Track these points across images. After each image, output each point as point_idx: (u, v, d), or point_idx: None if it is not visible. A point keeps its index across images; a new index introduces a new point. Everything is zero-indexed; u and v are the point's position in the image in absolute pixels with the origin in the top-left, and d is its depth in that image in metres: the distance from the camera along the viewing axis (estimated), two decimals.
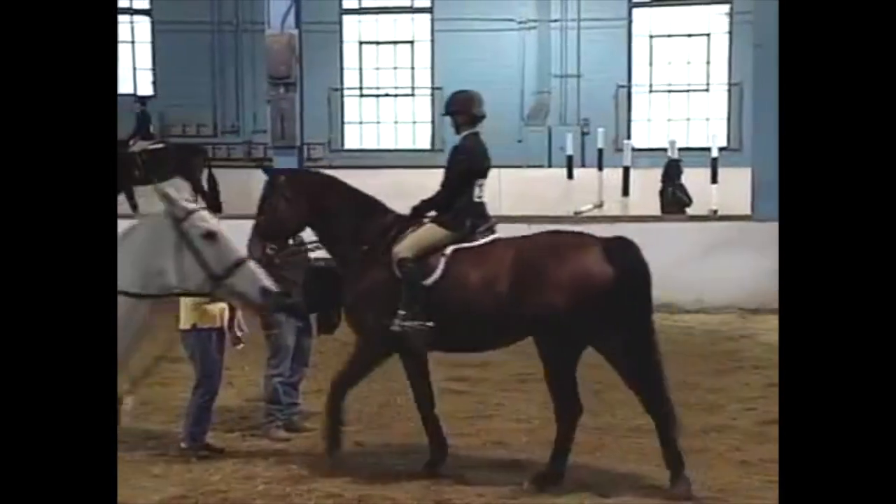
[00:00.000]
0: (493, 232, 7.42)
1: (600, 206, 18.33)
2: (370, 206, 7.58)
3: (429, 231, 7.31)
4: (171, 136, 24.48)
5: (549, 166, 21.55)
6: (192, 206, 5.22)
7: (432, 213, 7.45)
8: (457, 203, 7.33)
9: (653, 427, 7.74)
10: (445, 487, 7.08)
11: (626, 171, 17.65)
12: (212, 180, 18.30)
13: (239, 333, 7.88)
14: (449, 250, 7.22)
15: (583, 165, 20.74)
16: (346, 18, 24.21)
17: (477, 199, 7.44)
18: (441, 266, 7.15)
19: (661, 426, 7.14)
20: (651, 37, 22.00)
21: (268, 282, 5.14)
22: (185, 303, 7.54)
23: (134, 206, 17.91)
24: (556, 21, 22.03)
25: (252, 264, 5.20)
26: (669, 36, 21.93)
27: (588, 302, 6.93)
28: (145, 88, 25.89)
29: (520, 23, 22.18)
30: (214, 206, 15.70)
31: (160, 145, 19.39)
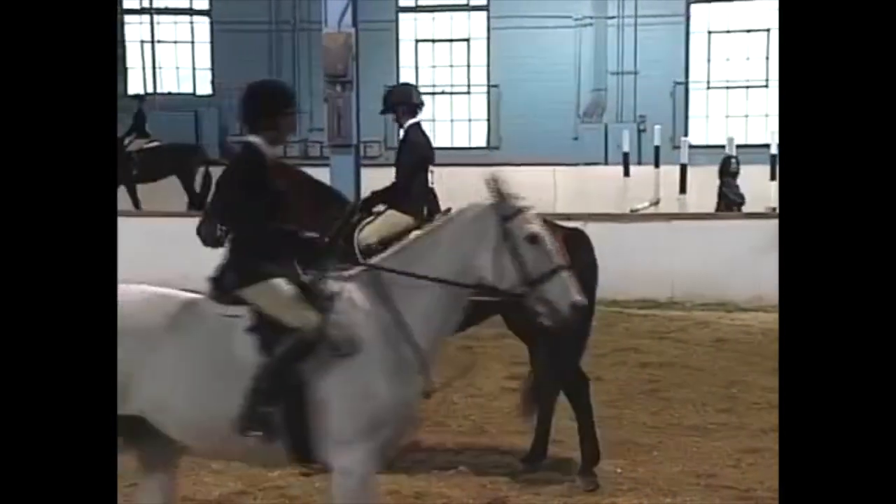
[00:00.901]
0: None
1: (657, 203, 18.21)
2: (328, 195, 7.66)
3: (391, 218, 7.51)
4: (229, 135, 24.71)
5: (606, 164, 21.44)
6: (520, 204, 5.07)
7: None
8: (414, 191, 7.61)
9: (712, 426, 7.72)
10: (502, 486, 7.09)
11: (684, 168, 17.53)
12: (207, 179, 18.13)
13: None
14: (411, 236, 7.33)
15: (639, 163, 20.62)
16: (402, 17, 24.28)
17: (430, 185, 7.78)
18: None
19: (581, 415, 7.36)
20: (709, 33, 21.81)
21: (579, 296, 4.92)
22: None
23: (136, 204, 18.00)
24: (612, 18, 21.91)
25: (565, 274, 4.96)
26: (728, 32, 21.71)
27: None
28: (204, 88, 26.15)
29: (576, 20, 22.08)
30: (200, 206, 15.55)
31: (155, 144, 19.44)
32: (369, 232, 7.38)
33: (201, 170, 18.31)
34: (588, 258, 7.38)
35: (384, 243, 7.25)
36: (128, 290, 4.87)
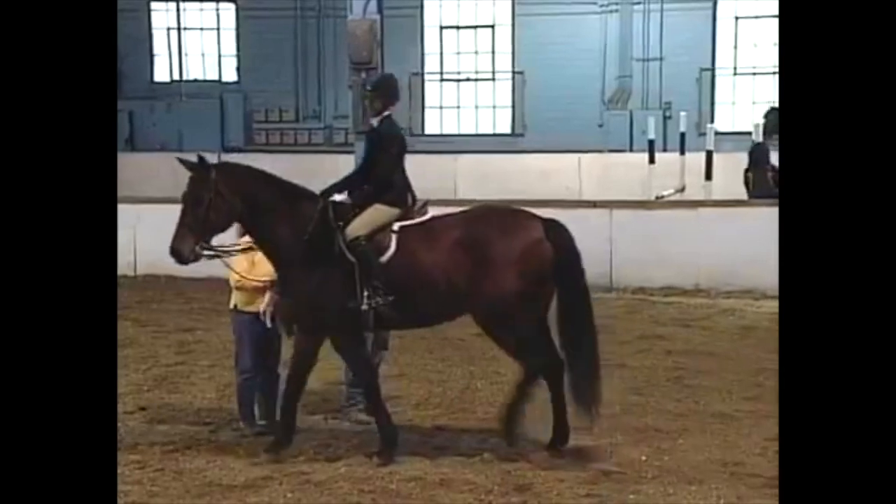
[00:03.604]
0: (426, 210, 7.72)
1: (682, 190, 18.12)
2: (297, 194, 7.61)
3: (377, 211, 7.47)
4: (254, 121, 24.75)
5: (631, 150, 21.35)
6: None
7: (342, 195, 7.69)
8: (396, 182, 7.60)
9: (738, 414, 7.65)
10: (527, 472, 7.09)
11: (710, 154, 17.41)
12: None
13: (267, 320, 7.92)
14: (396, 227, 7.48)
15: (665, 150, 20.52)
16: (427, 3, 24.24)
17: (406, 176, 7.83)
18: (393, 243, 7.39)
19: (554, 396, 7.53)
20: (737, 18, 21.67)
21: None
22: (232, 285, 7.95)
23: None
24: (638, 4, 21.80)
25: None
26: (756, 17, 21.56)
27: (533, 276, 7.29)
28: (230, 75, 26.22)
29: (601, 6, 21.99)
30: None
31: None
32: (357, 225, 7.37)
33: None
34: (572, 243, 7.51)
35: (370, 237, 7.37)
36: None
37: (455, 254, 7.30)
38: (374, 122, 7.82)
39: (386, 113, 7.75)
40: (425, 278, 7.31)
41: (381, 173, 7.61)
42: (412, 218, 7.59)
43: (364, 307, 7.29)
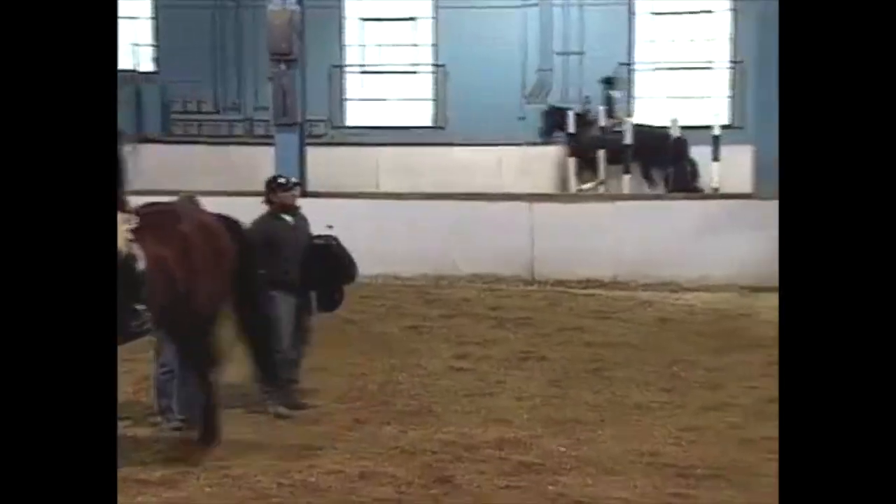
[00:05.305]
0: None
1: (602, 183, 18.29)
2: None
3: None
4: (172, 112, 24.41)
5: (551, 144, 21.45)
6: None
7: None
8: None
9: (654, 405, 7.76)
10: (448, 465, 7.11)
11: (627, 149, 17.60)
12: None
13: None
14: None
15: None
16: None
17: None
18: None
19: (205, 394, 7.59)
20: (654, 14, 21.89)
21: None
22: None
23: None
24: None
25: None
26: (673, 13, 21.82)
27: (223, 272, 7.49)
28: (147, 65, 25.83)
29: (522, 0, 22.08)
30: None
31: None
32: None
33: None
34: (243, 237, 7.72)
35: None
36: None
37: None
38: None
39: None
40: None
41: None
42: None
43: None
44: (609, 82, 19.49)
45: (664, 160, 18.19)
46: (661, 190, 18.03)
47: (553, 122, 19.25)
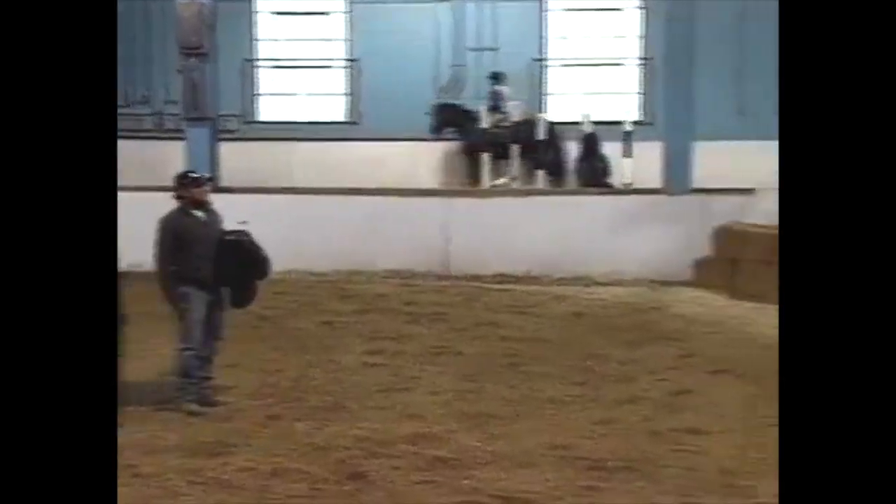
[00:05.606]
0: None
1: (515, 178, 18.40)
2: None
3: None
4: None
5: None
6: None
7: None
8: None
9: (568, 398, 7.81)
10: (362, 461, 7.08)
11: (540, 144, 17.74)
12: None
13: None
14: None
15: None
16: None
17: None
18: None
19: None
20: (566, 10, 22.06)
21: None
22: None
23: None
24: None
25: None
26: (584, 10, 22.01)
27: None
28: None
29: None
30: None
31: None
32: None
33: None
34: None
35: None
36: None
37: None
38: None
39: None
40: None
41: None
42: None
43: None
44: (496, 78, 19.55)
45: (538, 151, 18.32)
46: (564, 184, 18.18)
47: (443, 119, 19.31)
